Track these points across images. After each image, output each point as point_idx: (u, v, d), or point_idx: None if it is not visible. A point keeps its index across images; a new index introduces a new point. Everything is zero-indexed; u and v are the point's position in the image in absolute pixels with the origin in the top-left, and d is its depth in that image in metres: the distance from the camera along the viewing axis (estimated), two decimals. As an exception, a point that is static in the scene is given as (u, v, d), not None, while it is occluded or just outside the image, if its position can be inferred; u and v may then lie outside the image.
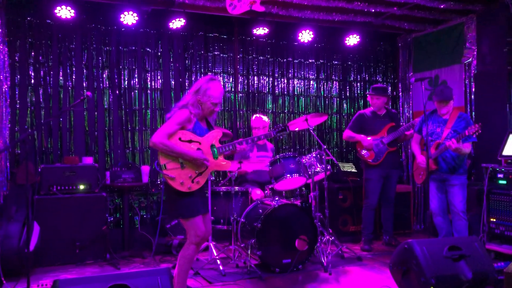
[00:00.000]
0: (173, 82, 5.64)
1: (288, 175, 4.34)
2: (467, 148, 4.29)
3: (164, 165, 3.00)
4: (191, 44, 5.72)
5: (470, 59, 5.58)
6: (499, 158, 4.47)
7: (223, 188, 4.59)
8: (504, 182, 4.33)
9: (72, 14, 4.88)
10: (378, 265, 4.31)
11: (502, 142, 4.51)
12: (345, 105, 6.60)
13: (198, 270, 4.11)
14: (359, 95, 6.67)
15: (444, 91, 4.50)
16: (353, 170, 5.93)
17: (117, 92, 5.42)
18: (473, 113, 5.48)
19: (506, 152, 4.45)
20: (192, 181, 3.07)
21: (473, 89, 5.52)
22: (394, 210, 5.24)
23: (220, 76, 5.90)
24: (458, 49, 5.72)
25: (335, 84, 6.53)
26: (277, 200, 4.33)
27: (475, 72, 5.49)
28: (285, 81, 6.23)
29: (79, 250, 4.42)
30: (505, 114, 5.03)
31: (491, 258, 3.59)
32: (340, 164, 6.04)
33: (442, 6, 5.31)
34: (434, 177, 4.47)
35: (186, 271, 3.16)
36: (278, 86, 6.20)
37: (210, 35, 5.83)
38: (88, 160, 4.87)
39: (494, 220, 4.41)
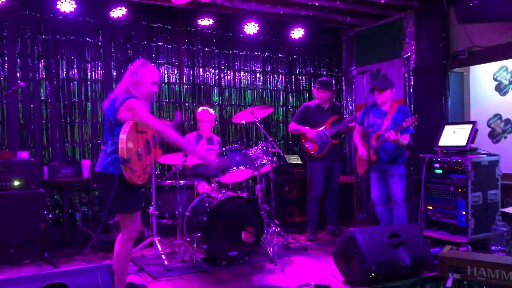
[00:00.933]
0: (114, 73, 5.46)
1: (235, 168, 4.32)
2: (405, 139, 4.45)
3: (129, 158, 2.84)
4: (134, 34, 5.55)
5: (409, 54, 5.79)
6: (436, 149, 4.67)
7: (168, 182, 4.50)
8: (440, 171, 4.53)
9: (3, 0, 4.58)
10: (323, 254, 4.39)
11: (438, 133, 4.71)
12: (291, 98, 6.66)
13: (143, 266, 4.01)
14: (305, 88, 6.75)
15: (383, 81, 4.67)
16: (299, 162, 6.01)
17: (55, 83, 5.17)
18: (412, 105, 5.70)
19: (442, 142, 4.66)
20: (144, 173, 2.99)
21: (412, 83, 5.74)
22: (337, 200, 5.35)
23: (164, 68, 5.77)
24: (398, 44, 5.91)
25: (281, 77, 6.57)
26: (223, 193, 4.31)
27: (414, 66, 5.70)
28: (232, 73, 6.20)
29: (14, 249, 4.18)
30: (442, 107, 5.27)
31: (428, 244, 3.75)
32: (287, 156, 6.11)
33: (382, 1, 5.47)
34: (375, 167, 4.60)
35: (126, 268, 3.08)
36: (225, 79, 6.16)
37: (154, 25, 5.69)
38: (24, 155, 4.61)
39: (431, 207, 4.60)
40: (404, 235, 3.51)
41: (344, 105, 6.86)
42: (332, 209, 5.31)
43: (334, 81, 6.86)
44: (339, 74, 6.95)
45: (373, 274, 3.29)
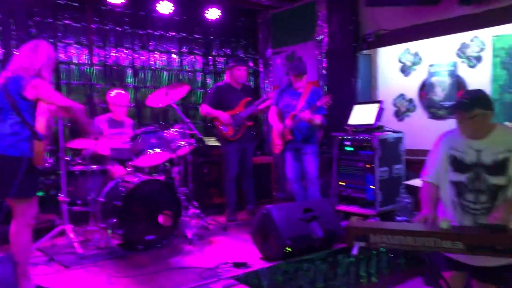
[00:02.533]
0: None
1: (150, 150, 4.22)
2: (318, 119, 4.62)
3: (44, 136, 2.73)
4: (37, 11, 5.16)
5: (322, 37, 5.95)
6: (346, 127, 4.88)
7: (79, 167, 4.29)
8: (351, 149, 4.75)
9: None
10: (242, 234, 4.46)
11: (348, 113, 4.93)
12: (209, 79, 6.60)
13: (53, 255, 3.82)
14: (222, 69, 6.71)
15: (299, 66, 4.78)
16: (218, 144, 5.98)
17: None
18: (326, 87, 5.90)
19: (352, 121, 4.88)
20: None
21: (325, 65, 5.92)
22: (254, 180, 5.42)
23: (73, 48, 5.45)
24: (312, 27, 6.04)
25: (198, 58, 6.48)
26: (139, 176, 4.20)
27: (327, 48, 5.88)
28: (146, 54, 6.00)
29: None
30: (352, 88, 5.50)
31: (339, 217, 3.95)
32: (205, 139, 6.04)
33: (296, -16, 5.56)
34: (290, 146, 4.71)
35: (28, 258, 2.93)
36: (139, 59, 5.95)
37: (60, 2, 5.32)
38: None
39: (343, 183, 4.83)
40: (317, 210, 3.67)
41: (262, 87, 6.94)
42: (250, 189, 5.38)
43: (252, 64, 6.90)
44: (256, 56, 7.00)
45: (288, 249, 3.41)
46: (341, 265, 3.77)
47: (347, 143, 4.78)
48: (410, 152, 4.87)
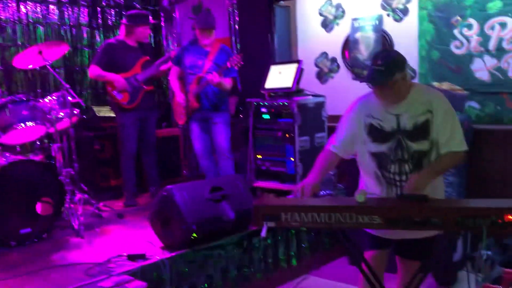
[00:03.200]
0: None
1: (21, 125, 3.95)
2: (228, 83, 4.59)
3: None
4: None
5: (233, -15, 5.90)
6: (262, 92, 4.89)
7: None
8: (268, 116, 4.78)
9: None
10: (142, 221, 4.35)
11: (265, 75, 4.93)
12: (98, 36, 6.32)
13: None
14: (115, 23, 6.43)
15: (207, 19, 4.69)
16: (112, 114, 5.77)
17: None
18: (238, 45, 5.86)
19: (269, 85, 4.88)
20: None
21: (238, 18, 5.86)
22: (159, 157, 5.33)
23: None
24: (221, -28, 5.97)
25: (83, 9, 6.16)
26: (7, 157, 3.93)
27: (239, -1, 5.82)
28: (15, 4, 5.57)
29: None
30: (268, 45, 5.52)
31: (253, 195, 3.98)
32: (96, 109, 5.83)
33: None
34: (196, 116, 4.67)
35: None
36: (5, 10, 5.51)
37: None
38: None
39: (260, 156, 4.88)
40: (227, 187, 3.66)
41: (165, 44, 6.77)
42: (152, 167, 5.28)
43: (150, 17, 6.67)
44: (157, 8, 6.77)
45: (194, 234, 3.38)
46: (257, 249, 3.86)
47: (264, 110, 4.79)
48: (334, 118, 4.93)
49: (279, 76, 4.86)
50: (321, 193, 4.74)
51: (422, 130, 2.48)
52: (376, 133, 2.55)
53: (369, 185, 2.65)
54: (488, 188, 4.30)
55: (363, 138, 2.59)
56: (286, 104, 4.62)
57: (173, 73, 4.82)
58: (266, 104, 4.77)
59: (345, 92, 5.01)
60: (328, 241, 4.41)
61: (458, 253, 3.79)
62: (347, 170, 4.60)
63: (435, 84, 4.56)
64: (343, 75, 5.32)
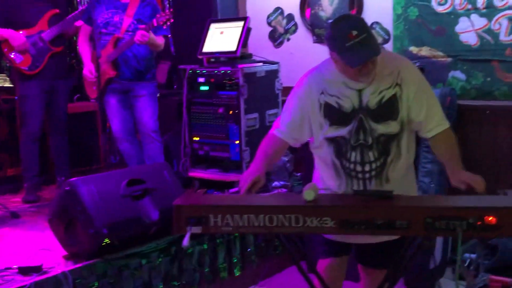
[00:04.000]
0: None
1: None
2: (161, 41, 4.56)
3: None
4: None
5: None
6: (200, 57, 4.81)
7: None
8: (206, 87, 4.70)
9: None
10: (43, 222, 4.20)
11: (203, 35, 4.84)
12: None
13: None
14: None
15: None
16: (8, 84, 5.60)
17: None
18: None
19: (208, 48, 4.80)
20: None
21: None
22: (70, 138, 5.25)
23: None
24: None
25: None
26: None
27: None
28: None
29: None
30: (209, -1, 5.41)
31: (183, 188, 3.90)
32: (-14, 77, 5.62)
33: None
34: (114, 87, 4.58)
35: None
36: None
37: None
38: None
39: (197, 139, 4.81)
40: (150, 179, 3.57)
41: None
42: (62, 152, 5.18)
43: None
44: None
45: (106, 240, 3.29)
46: (190, 257, 3.79)
47: (201, 79, 4.72)
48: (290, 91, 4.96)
49: (221, 37, 4.80)
50: (274, 183, 4.72)
51: (389, 108, 2.46)
52: (333, 113, 2.51)
53: (325, 178, 2.64)
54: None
55: (318, 121, 2.54)
56: (229, 72, 4.57)
57: (82, 34, 4.72)
58: (204, 72, 4.72)
59: (304, 59, 5.02)
60: (279, 244, 4.37)
61: (437, 257, 3.82)
62: (305, 156, 4.59)
63: (412, 49, 4.60)
64: (302, 36, 5.31)
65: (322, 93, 2.52)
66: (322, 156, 2.60)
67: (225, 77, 4.58)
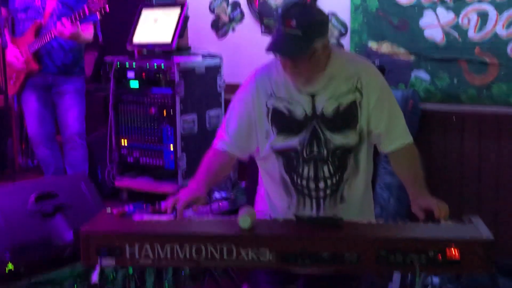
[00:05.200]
0: None
1: None
2: (89, 32, 4.50)
3: None
4: None
5: None
6: (129, 48, 4.79)
7: None
8: (136, 84, 4.67)
9: None
10: None
11: (134, 23, 4.79)
12: None
13: None
14: None
15: None
16: None
17: None
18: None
19: (140, 38, 4.77)
20: None
21: None
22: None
23: None
24: None
25: None
26: None
27: None
28: None
29: None
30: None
31: (101, 202, 3.78)
32: None
33: None
34: (35, 81, 4.53)
35: None
36: None
37: None
38: None
39: (126, 142, 4.77)
40: (64, 193, 3.43)
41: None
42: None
43: None
44: None
45: (9, 266, 3.15)
46: (112, 284, 3.63)
47: (131, 74, 4.67)
48: (235, 89, 4.89)
49: (155, 26, 4.79)
50: (215, 195, 4.62)
51: (347, 117, 2.40)
52: (281, 120, 2.43)
53: (272, 196, 2.57)
54: (441, 190, 4.31)
55: (264, 129, 2.46)
56: (163, 67, 4.54)
57: None
58: (134, 66, 4.66)
59: (251, 52, 4.97)
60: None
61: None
62: (251, 164, 4.54)
63: (372, 44, 4.55)
64: (249, 26, 5.21)
65: (271, 96, 2.44)
66: (269, 170, 2.53)
67: (159, 72, 4.55)
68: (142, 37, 4.73)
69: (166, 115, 4.52)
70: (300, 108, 2.40)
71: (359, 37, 4.60)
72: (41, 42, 4.38)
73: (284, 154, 2.45)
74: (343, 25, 4.67)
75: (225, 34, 5.33)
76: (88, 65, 5.64)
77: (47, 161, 4.67)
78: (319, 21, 2.32)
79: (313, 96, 2.39)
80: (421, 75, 4.36)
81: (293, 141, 2.42)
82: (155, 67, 4.52)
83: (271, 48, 2.26)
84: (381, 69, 3.99)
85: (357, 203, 2.47)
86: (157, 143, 4.60)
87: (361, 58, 2.70)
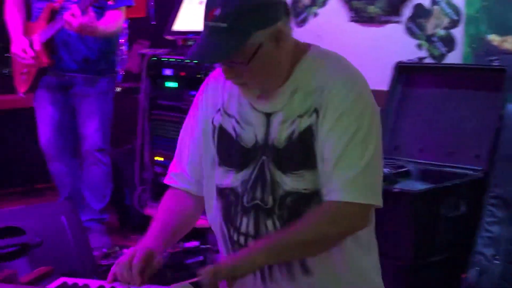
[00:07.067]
0: None
1: None
2: (113, 22, 4.42)
3: None
4: None
5: None
6: (168, 37, 4.91)
7: None
8: (175, 84, 4.70)
9: None
10: None
11: (174, 10, 4.94)
12: None
13: None
14: None
15: None
16: None
17: None
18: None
19: (180, 25, 4.85)
20: None
21: None
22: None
23: None
24: None
25: None
26: None
27: None
28: None
29: None
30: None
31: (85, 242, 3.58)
32: None
33: None
34: (49, 80, 4.49)
35: None
36: None
37: None
38: None
39: (162, 159, 4.77)
40: (35, 229, 3.24)
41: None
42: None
43: None
44: None
45: None
46: None
47: (169, 71, 4.69)
48: None
49: (201, 10, 4.42)
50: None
51: (301, 149, 2.03)
52: (226, 147, 2.14)
53: (221, 249, 2.31)
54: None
55: (210, 154, 2.19)
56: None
57: (10, 2, 4.64)
58: (174, 61, 4.67)
59: (336, 43, 4.76)
60: None
61: None
62: None
63: (493, 38, 4.29)
64: (333, 11, 5.13)
65: (219, 110, 2.16)
66: (211, 215, 2.22)
67: (201, 70, 4.39)
68: (184, 24, 4.78)
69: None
70: (250, 131, 2.07)
71: (475, 28, 4.38)
72: (53, 29, 4.28)
73: (223, 196, 2.17)
74: (455, 10, 4.42)
75: (305, 20, 5.25)
76: (134, 59, 5.59)
77: (63, 180, 4.67)
78: (256, 5, 1.95)
79: (268, 116, 2.05)
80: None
81: (235, 180, 2.11)
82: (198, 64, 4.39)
83: (190, 55, 2.03)
84: (501, 71, 3.74)
85: (339, 275, 2.05)
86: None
87: (343, 66, 2.13)
